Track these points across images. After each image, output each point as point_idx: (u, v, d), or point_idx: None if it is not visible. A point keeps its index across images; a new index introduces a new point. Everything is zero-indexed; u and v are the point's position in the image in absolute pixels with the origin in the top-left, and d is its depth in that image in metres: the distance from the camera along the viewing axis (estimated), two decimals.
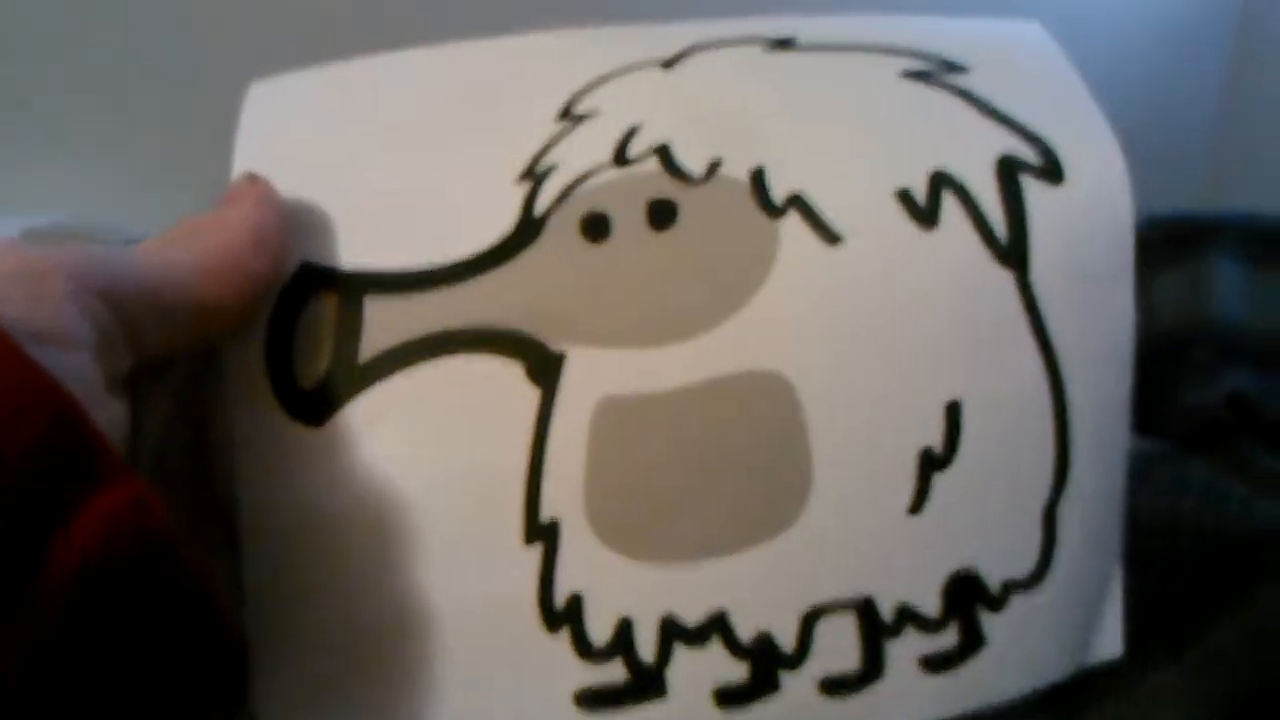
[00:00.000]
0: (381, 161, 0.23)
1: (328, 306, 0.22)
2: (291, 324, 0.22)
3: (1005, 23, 0.27)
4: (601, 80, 0.24)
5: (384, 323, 0.22)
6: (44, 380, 0.15)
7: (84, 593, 0.15)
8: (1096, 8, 0.78)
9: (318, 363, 0.21)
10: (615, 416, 0.22)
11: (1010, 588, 0.24)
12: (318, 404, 0.21)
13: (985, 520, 0.24)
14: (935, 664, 0.24)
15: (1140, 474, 0.47)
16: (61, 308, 0.17)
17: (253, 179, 0.22)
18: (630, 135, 0.23)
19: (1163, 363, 0.57)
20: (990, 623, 0.24)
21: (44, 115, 0.67)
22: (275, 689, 0.22)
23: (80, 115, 0.67)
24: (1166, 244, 0.61)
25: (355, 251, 0.22)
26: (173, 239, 0.20)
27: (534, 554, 0.22)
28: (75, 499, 0.15)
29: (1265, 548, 0.45)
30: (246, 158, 0.23)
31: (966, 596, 0.24)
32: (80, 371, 0.17)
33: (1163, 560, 0.45)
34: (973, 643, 0.24)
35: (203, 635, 0.18)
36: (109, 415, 0.18)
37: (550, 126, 0.24)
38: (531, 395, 0.22)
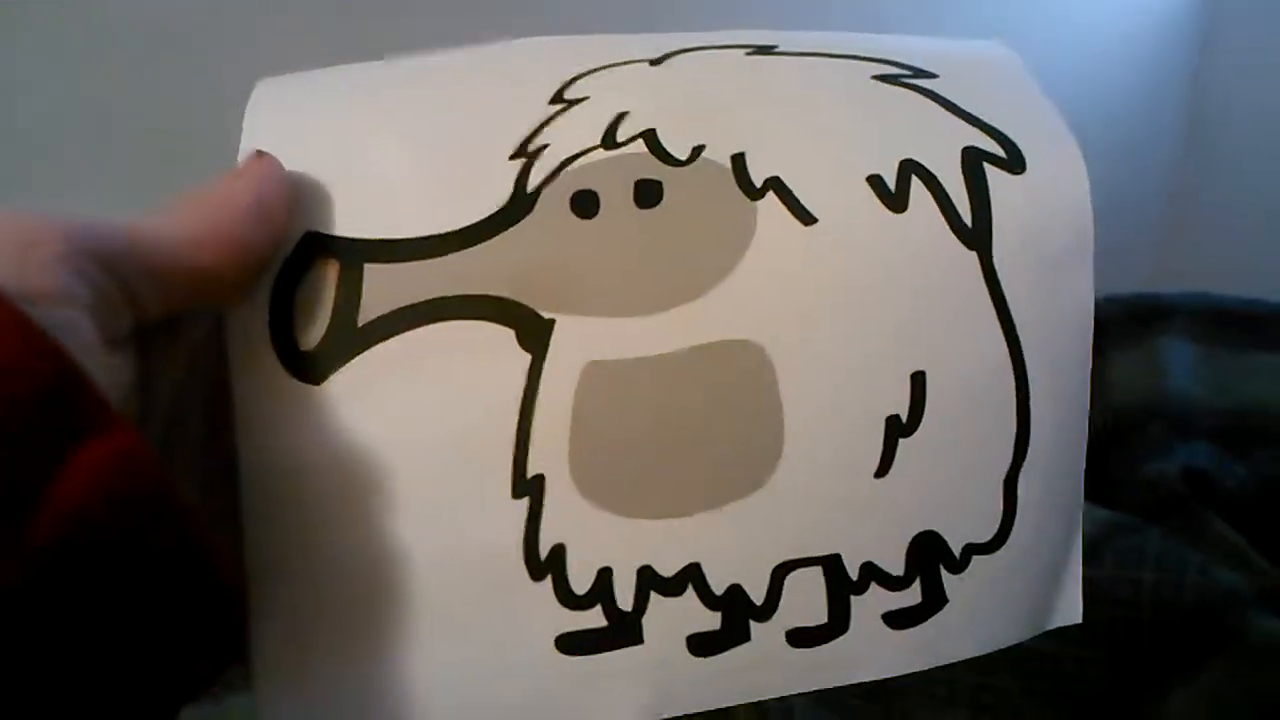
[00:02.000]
0: (382, 141, 0.24)
1: (329, 272, 0.23)
2: (293, 288, 0.22)
3: (971, 41, 0.29)
4: (592, 71, 0.26)
5: (382, 289, 0.22)
6: (34, 332, 0.16)
7: (73, 539, 0.16)
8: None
9: (318, 325, 0.22)
10: (600, 380, 0.23)
11: (971, 550, 0.25)
12: (317, 364, 0.22)
13: (948, 485, 0.25)
14: (898, 620, 0.25)
15: (1100, 544, 0.49)
16: (54, 269, 0.17)
17: (260, 155, 0.23)
18: (619, 120, 0.24)
19: (1119, 437, 0.59)
20: (952, 583, 0.25)
21: None
22: (270, 635, 0.23)
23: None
24: (1121, 323, 0.63)
25: (356, 222, 0.23)
26: (174, 208, 0.21)
27: (520, 507, 0.23)
28: (66, 448, 0.16)
29: (1222, 615, 0.47)
30: (254, 138, 0.24)
31: (929, 557, 0.25)
32: (73, 328, 0.17)
33: (1125, 629, 0.46)
34: (934, 601, 0.25)
35: (197, 584, 0.18)
36: (110, 372, 0.18)
37: (542, 110, 0.25)
38: (522, 359, 0.23)
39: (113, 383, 0.19)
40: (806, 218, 0.24)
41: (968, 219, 0.24)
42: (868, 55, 0.27)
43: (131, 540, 0.17)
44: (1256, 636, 0.46)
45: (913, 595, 0.25)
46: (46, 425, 0.16)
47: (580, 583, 0.24)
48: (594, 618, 0.24)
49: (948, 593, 0.25)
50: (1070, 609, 0.28)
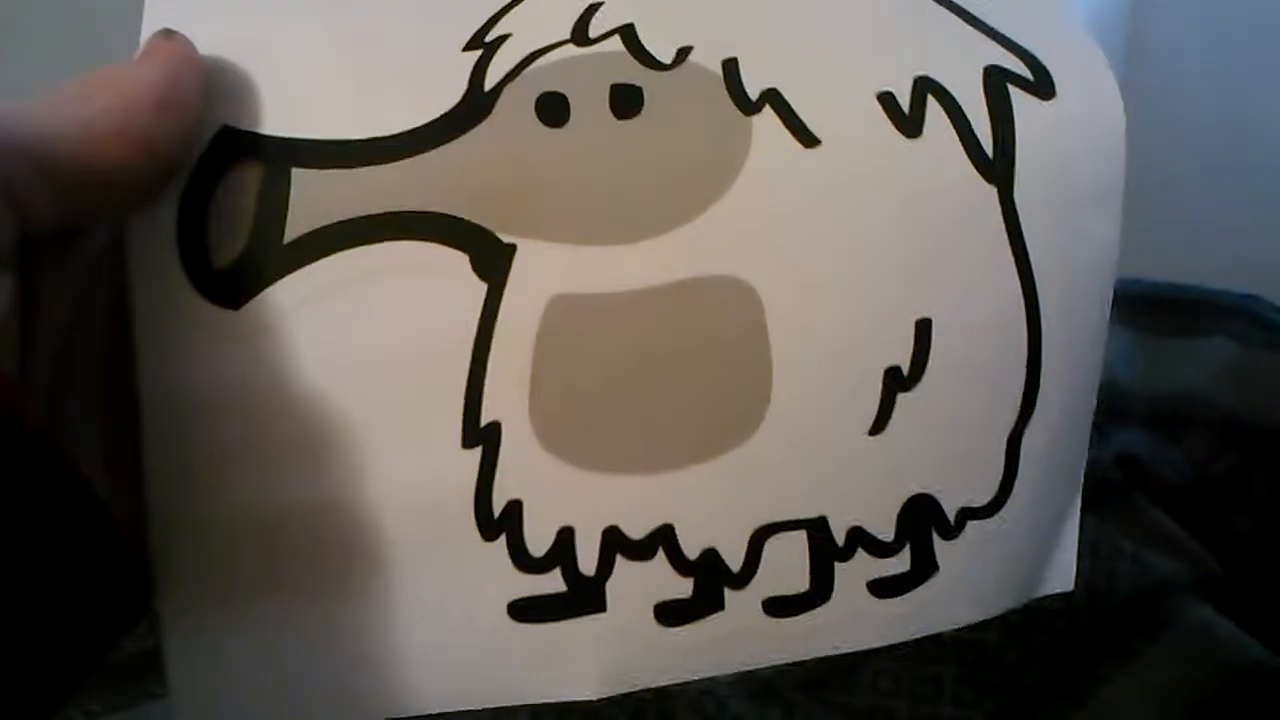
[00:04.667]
0: (310, 23, 0.21)
1: (250, 177, 0.20)
2: (208, 195, 0.19)
3: None
4: None
5: (314, 199, 0.20)
6: None
7: None
8: None
9: (236, 239, 0.19)
10: (566, 316, 0.21)
11: (966, 515, 0.24)
12: (234, 284, 0.20)
13: (947, 445, 0.23)
14: (884, 588, 0.23)
15: None
16: None
17: (169, 34, 0.20)
18: (591, 12, 0.22)
19: None
20: (943, 550, 0.24)
21: None
22: (180, 587, 0.20)
23: None
24: None
25: (282, 117, 0.20)
26: (69, 96, 0.18)
27: (472, 457, 0.21)
28: None
29: (1157, 603, 0.48)
30: (158, 14, 0.20)
31: (922, 522, 0.23)
32: None
33: (1061, 618, 0.46)
34: (925, 569, 0.24)
35: (89, 539, 0.16)
36: None
37: None
38: (477, 288, 0.20)
39: None
40: (808, 138, 0.21)
41: (989, 148, 0.22)
42: None
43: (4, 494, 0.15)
44: (1191, 624, 0.46)
45: (901, 562, 0.23)
46: None
47: (538, 544, 0.21)
48: (552, 582, 0.22)
49: (938, 560, 0.24)
50: (1064, 575, 0.26)
